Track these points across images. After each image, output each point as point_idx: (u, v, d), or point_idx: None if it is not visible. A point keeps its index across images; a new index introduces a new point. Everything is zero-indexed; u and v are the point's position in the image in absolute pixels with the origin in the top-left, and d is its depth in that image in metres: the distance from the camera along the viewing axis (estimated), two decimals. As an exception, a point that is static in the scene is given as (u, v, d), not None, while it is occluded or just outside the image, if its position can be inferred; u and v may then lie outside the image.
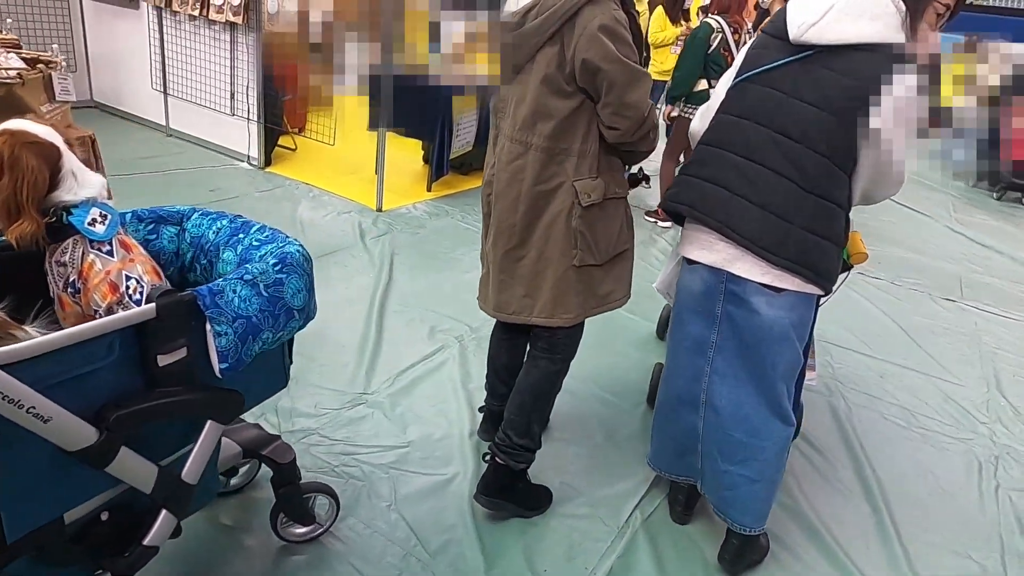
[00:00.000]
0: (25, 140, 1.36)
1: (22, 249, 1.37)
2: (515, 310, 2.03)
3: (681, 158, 4.66)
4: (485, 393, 2.40)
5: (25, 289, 1.43)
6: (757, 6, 7.39)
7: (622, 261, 2.05)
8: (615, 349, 3.20)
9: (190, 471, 1.46)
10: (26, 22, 5.22)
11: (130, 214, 1.68)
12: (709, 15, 4.46)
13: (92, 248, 1.43)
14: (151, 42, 5.18)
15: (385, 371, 2.77)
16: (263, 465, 2.00)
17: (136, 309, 1.30)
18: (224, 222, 1.73)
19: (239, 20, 4.56)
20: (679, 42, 5.50)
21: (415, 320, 3.19)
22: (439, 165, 4.84)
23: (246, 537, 1.92)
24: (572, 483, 2.30)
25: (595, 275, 1.99)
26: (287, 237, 1.65)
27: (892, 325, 3.89)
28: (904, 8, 1.68)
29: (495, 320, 2.21)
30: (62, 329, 1.19)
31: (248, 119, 4.89)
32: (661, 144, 2.93)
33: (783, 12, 1.82)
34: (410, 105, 4.31)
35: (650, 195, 5.40)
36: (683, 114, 4.45)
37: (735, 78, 1.89)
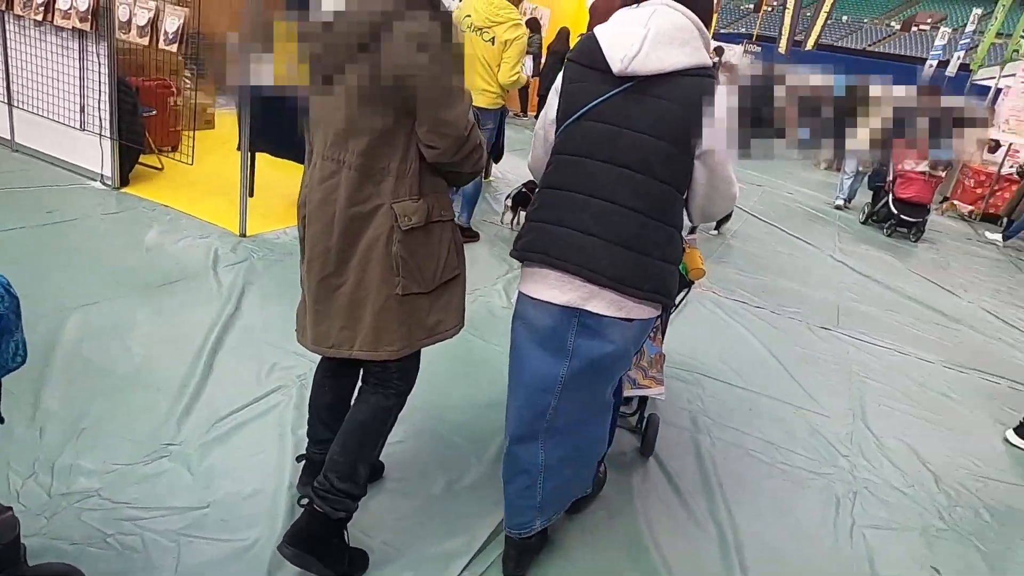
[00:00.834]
0: None
1: None
2: (334, 343, 1.82)
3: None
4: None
5: None
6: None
7: (452, 288, 1.88)
8: (465, 381, 2.99)
9: None
10: None
11: None
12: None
13: None
14: (-7, 49, 4.70)
15: (202, 417, 2.45)
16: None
17: None
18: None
19: (87, 27, 4.17)
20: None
21: (253, 357, 2.88)
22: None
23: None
24: (395, 542, 2.05)
25: (421, 304, 1.81)
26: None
27: (768, 356, 3.86)
28: (705, 29, 1.70)
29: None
30: None
31: (101, 135, 4.47)
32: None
33: (590, 43, 1.76)
34: (274, 122, 4.02)
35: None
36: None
37: (566, 120, 1.80)
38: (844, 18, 38.34)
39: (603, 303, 1.74)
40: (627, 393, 2.50)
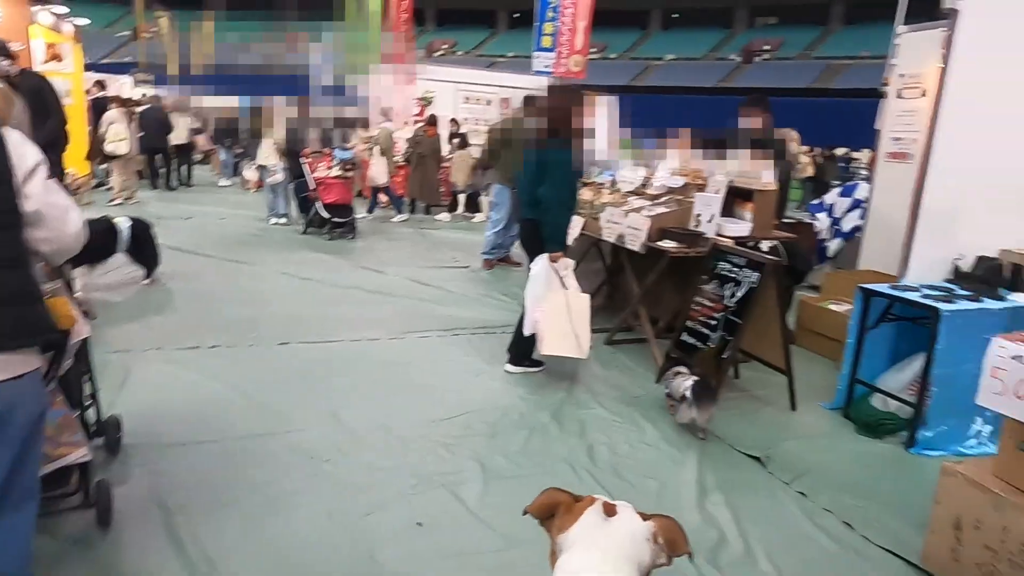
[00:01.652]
0: None
1: None
2: None
3: None
4: None
5: None
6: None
7: None
8: None
9: None
10: None
11: None
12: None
13: None
14: None
15: None
16: None
17: None
18: None
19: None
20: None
21: None
22: None
23: None
24: None
25: None
26: None
27: (234, 395, 3.64)
28: None
29: None
30: None
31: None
32: None
33: None
34: None
35: None
36: None
37: None
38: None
39: None
40: (46, 469, 2.11)
